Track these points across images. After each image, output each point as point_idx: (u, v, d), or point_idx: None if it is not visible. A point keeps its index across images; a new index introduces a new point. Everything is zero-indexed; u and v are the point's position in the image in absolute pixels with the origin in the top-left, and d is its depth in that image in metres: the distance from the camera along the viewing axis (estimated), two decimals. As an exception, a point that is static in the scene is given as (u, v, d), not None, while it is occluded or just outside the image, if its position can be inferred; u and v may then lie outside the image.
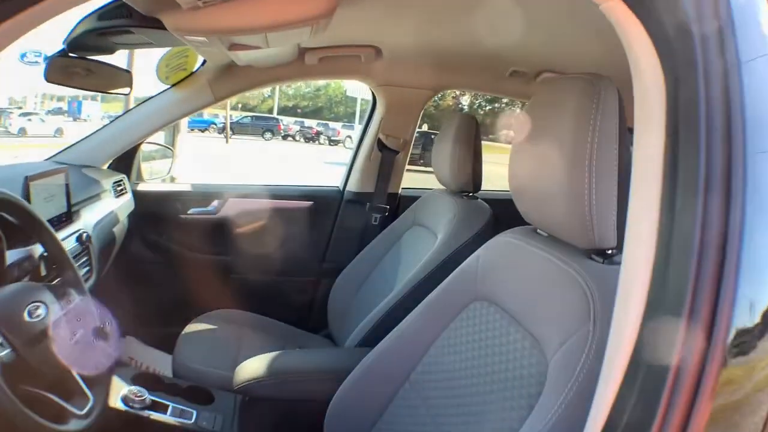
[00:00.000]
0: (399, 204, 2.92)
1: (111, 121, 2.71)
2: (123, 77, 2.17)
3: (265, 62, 2.41)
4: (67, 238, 1.85)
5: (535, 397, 1.04)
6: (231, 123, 28.74)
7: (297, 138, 31.12)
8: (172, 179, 8.05)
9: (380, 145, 2.81)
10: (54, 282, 1.42)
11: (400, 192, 2.95)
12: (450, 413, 1.25)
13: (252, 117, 33.39)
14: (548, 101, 1.19)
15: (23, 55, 15.73)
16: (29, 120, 27.93)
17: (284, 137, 31.02)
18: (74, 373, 1.29)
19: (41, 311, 1.21)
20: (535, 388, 1.06)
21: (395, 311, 1.91)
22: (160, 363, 2.60)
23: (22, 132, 26.53)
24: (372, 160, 2.85)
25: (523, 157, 1.22)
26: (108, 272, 2.63)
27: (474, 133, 2.11)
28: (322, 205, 2.93)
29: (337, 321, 2.41)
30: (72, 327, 1.34)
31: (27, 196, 1.64)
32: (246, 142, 27.77)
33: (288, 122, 32.90)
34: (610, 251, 1.11)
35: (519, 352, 1.14)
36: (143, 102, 2.66)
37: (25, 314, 1.17)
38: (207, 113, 33.01)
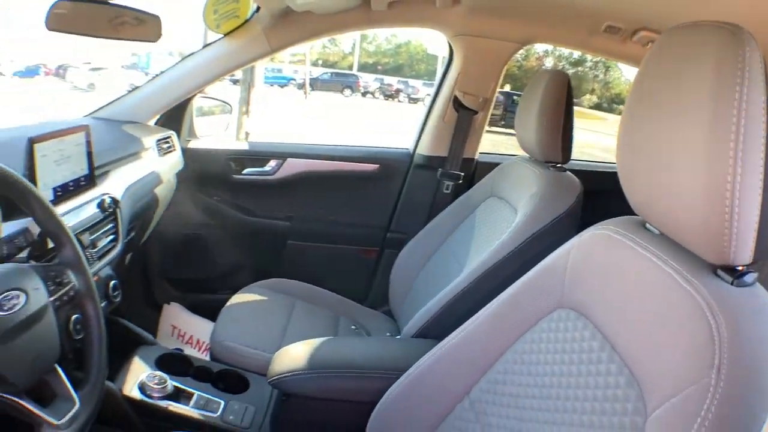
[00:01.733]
0: (475, 171, 2.64)
1: (159, 74, 2.50)
2: (148, 25, 1.91)
3: (326, 7, 2.16)
4: (85, 205, 1.64)
5: None
6: (311, 79, 29.08)
7: (376, 95, 31.29)
8: (247, 135, 8.03)
9: (456, 103, 2.51)
10: (51, 261, 1.21)
11: (477, 158, 2.66)
12: None
13: (332, 73, 33.76)
14: (673, 57, 0.88)
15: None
16: (99, 75, 28.79)
17: (363, 94, 31.35)
18: (59, 372, 1.09)
19: (18, 300, 1.00)
20: None
21: (462, 300, 1.67)
22: (205, 332, 2.46)
23: (91, 87, 27.33)
24: (446, 121, 2.56)
25: (638, 130, 0.91)
26: (152, 234, 2.50)
27: (566, 93, 1.80)
28: (390, 168, 2.68)
29: (399, 298, 2.19)
30: (62, 315, 1.13)
31: (32, 160, 1.42)
32: (325, 97, 27.98)
33: (368, 79, 33.00)
34: (740, 268, 0.83)
35: (611, 390, 0.87)
36: (194, 53, 2.45)
37: None
38: (287, 69, 33.61)
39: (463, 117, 2.52)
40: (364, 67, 40.85)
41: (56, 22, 1.64)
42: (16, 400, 0.96)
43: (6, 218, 1.26)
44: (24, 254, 1.29)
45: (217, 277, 2.75)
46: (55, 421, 0.99)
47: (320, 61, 43.08)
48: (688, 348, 0.78)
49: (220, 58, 2.37)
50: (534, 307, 1.07)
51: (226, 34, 2.34)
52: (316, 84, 30.39)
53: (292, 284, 2.28)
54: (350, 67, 39.54)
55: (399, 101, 30.38)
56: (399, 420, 1.23)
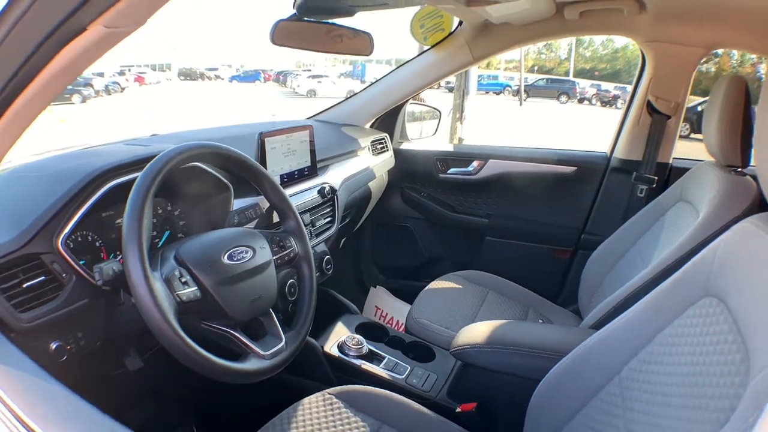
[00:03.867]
0: (670, 176, 2.62)
1: (373, 83, 2.85)
2: (362, 41, 2.13)
3: (522, 19, 2.31)
4: (307, 190, 2.00)
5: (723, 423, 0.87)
6: (526, 86, 28.80)
7: (593, 102, 30.08)
8: (460, 141, 8.23)
9: (650, 108, 2.54)
10: (278, 229, 1.53)
11: (671, 162, 2.63)
12: (642, 422, 1.10)
13: (547, 80, 33.29)
14: None
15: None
16: (319, 82, 30.98)
17: (580, 100, 30.40)
18: (272, 315, 1.38)
19: (246, 255, 1.31)
20: (725, 414, 0.88)
21: (639, 295, 1.70)
22: (404, 314, 2.67)
23: (311, 93, 29.48)
24: (641, 125, 2.59)
25: None
26: (365, 223, 2.84)
27: (744, 98, 1.80)
28: (586, 171, 2.73)
29: (587, 296, 2.26)
30: (281, 274, 1.45)
31: (261, 151, 1.78)
32: (540, 104, 27.65)
33: (584, 85, 31.90)
34: None
35: (727, 366, 0.95)
36: (404, 64, 2.75)
37: (224, 256, 1.27)
38: (502, 77, 33.44)
39: (657, 121, 2.54)
40: (580, 73, 39.71)
41: (281, 37, 1.90)
42: (231, 332, 1.25)
43: (236, 196, 1.63)
44: (252, 224, 1.66)
45: (420, 266, 3.02)
46: (262, 352, 1.26)
47: (536, 68, 42.46)
48: None
49: (428, 67, 2.64)
50: (686, 295, 1.14)
51: (432, 46, 2.60)
52: (531, 90, 30.19)
53: (486, 276, 2.43)
54: (566, 73, 38.74)
55: (617, 108, 29.04)
56: (558, 395, 1.34)
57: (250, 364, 1.23)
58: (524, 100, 26.89)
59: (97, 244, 1.34)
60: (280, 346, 1.32)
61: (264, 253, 1.36)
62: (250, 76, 44.11)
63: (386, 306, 2.89)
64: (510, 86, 32.61)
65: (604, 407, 1.23)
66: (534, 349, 1.62)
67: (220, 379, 1.16)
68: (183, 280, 1.18)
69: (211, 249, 1.28)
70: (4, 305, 1.08)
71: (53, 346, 1.17)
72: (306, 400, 1.48)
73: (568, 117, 22.68)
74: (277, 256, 1.42)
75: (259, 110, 19.51)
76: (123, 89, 28.96)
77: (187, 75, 46.72)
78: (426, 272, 2.84)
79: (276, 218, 1.64)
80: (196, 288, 1.19)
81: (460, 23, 2.50)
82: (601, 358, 1.27)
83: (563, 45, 43.44)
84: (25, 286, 1.13)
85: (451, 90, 9.73)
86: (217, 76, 47.07)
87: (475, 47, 2.54)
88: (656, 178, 2.57)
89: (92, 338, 1.28)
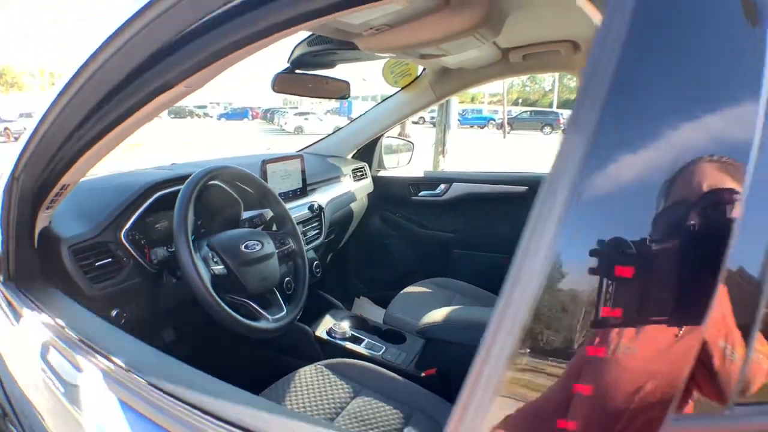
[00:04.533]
0: None
1: (353, 120, 3.28)
2: (342, 86, 2.56)
3: (473, 64, 2.68)
4: (299, 206, 2.45)
5: None
6: (510, 118, 29.08)
7: (577, 131, 30.13)
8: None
9: None
10: (278, 232, 2.00)
11: None
12: None
13: (531, 112, 33.40)
14: None
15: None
16: (306, 119, 31.31)
17: (564, 131, 30.21)
18: (276, 293, 1.83)
19: (257, 246, 1.77)
20: None
21: None
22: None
23: (298, 130, 29.77)
24: None
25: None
26: (348, 241, 3.24)
27: None
28: (536, 190, 3.00)
29: None
30: (281, 261, 1.90)
31: (264, 174, 2.27)
32: (524, 136, 27.88)
33: (567, 116, 31.89)
34: None
35: None
36: (379, 103, 3.19)
37: (242, 246, 1.73)
38: (486, 110, 33.50)
39: None
40: (565, 104, 39.66)
41: (280, 86, 2.30)
42: (247, 301, 1.71)
43: (244, 209, 2.10)
44: (258, 230, 2.09)
45: (397, 278, 3.36)
46: (269, 317, 1.72)
47: (520, 100, 42.53)
48: None
49: (399, 106, 3.06)
50: None
51: (402, 88, 3.03)
52: (515, 123, 30.57)
53: (455, 283, 2.75)
54: (550, 105, 38.79)
55: (602, 136, 29.19)
56: None
57: (262, 324, 1.67)
58: (508, 133, 27.19)
59: (142, 241, 1.77)
60: (282, 314, 1.78)
61: (269, 246, 1.82)
62: (238, 114, 44.62)
63: (369, 314, 3.13)
64: (494, 119, 33.11)
65: None
66: (480, 323, 1.95)
67: (240, 331, 1.59)
68: (215, 260, 1.65)
69: (233, 240, 1.74)
70: (82, 277, 1.52)
71: (114, 312, 1.62)
72: (301, 369, 1.78)
73: (549, 147, 22.84)
74: (278, 250, 1.87)
75: (247, 147, 19.82)
76: (119, 126, 29.12)
77: (177, 113, 47.25)
78: (403, 283, 3.04)
79: (275, 227, 2.08)
80: (223, 267, 1.65)
81: (424, 69, 2.91)
82: None
83: (547, 77, 43.60)
84: (96, 264, 1.58)
85: (434, 125, 9.96)
86: (205, 114, 47.43)
87: (437, 88, 2.92)
88: None
89: (141, 310, 1.72)
